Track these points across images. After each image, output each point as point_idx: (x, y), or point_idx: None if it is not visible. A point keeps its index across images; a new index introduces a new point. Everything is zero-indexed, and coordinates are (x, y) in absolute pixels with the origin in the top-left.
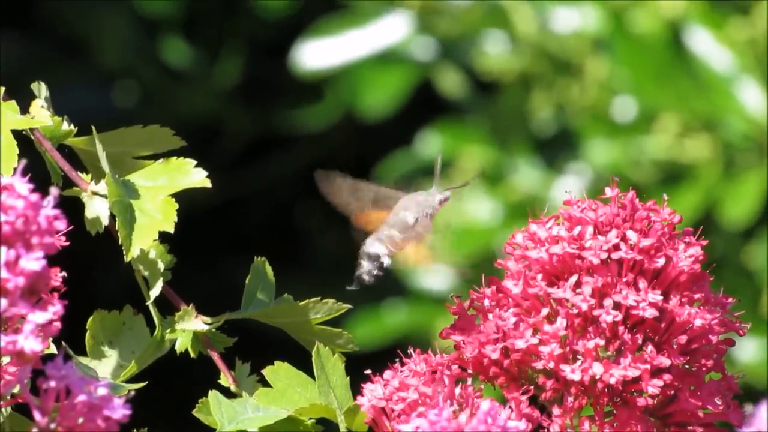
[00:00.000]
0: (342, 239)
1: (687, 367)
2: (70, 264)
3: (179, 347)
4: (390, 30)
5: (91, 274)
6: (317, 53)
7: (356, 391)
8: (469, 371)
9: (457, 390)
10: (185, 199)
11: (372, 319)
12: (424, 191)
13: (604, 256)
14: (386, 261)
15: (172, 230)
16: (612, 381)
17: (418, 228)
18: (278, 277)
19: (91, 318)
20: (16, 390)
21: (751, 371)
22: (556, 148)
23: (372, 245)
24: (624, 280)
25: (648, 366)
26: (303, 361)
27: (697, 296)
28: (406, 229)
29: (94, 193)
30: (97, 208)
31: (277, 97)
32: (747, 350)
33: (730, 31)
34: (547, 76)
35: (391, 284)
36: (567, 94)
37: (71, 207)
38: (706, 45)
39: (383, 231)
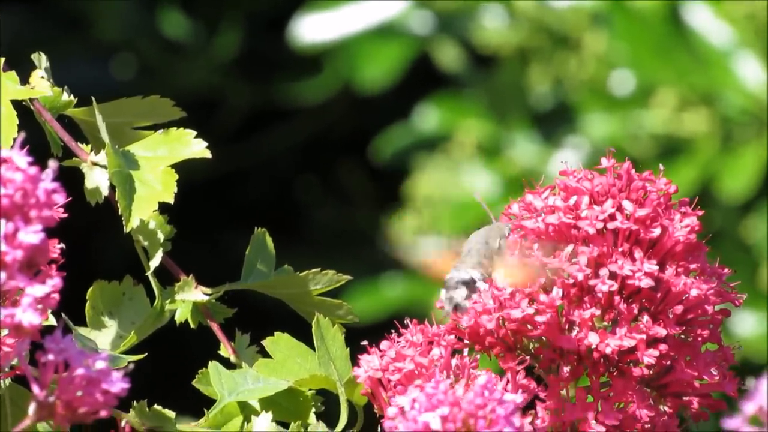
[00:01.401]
0: (340, 212)
1: (683, 337)
2: (70, 235)
3: (179, 317)
4: (388, 4)
5: (92, 244)
6: (316, 27)
7: (355, 363)
8: (466, 341)
9: (454, 360)
10: (185, 172)
11: (370, 292)
12: (490, 225)
13: (600, 225)
14: (481, 285)
15: (171, 201)
16: (608, 351)
17: (503, 251)
18: (277, 250)
19: (90, 288)
20: (15, 362)
21: (750, 345)
22: (554, 122)
23: (464, 272)
24: (620, 249)
25: (644, 336)
26: (303, 333)
27: (693, 266)
28: (492, 253)
29: (94, 164)
30: (97, 179)
31: (276, 70)
32: (746, 324)
33: (729, 5)
34: (545, 50)
35: (388, 257)
36: (565, 68)
37: (71, 178)
38: (705, 19)
39: (468, 259)
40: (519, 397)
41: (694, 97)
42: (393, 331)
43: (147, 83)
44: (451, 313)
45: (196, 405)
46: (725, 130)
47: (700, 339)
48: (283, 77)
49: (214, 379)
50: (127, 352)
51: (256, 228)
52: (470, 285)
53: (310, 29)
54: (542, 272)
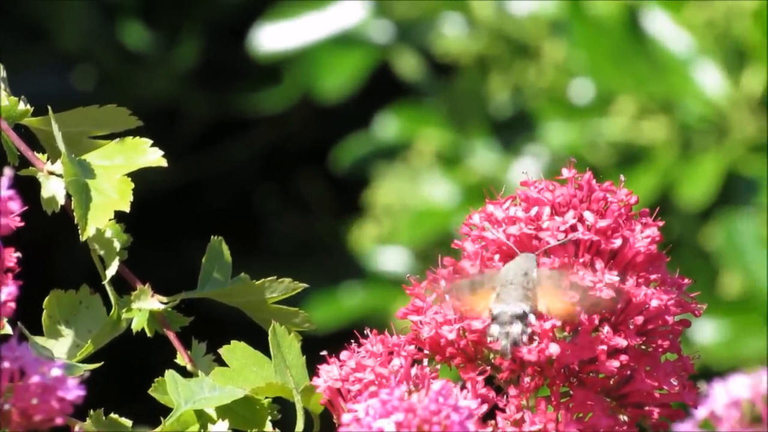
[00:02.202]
0: (300, 222)
1: (643, 347)
2: (29, 244)
3: (135, 326)
4: (347, 13)
5: (50, 254)
6: (275, 36)
7: (314, 372)
8: (426, 352)
9: (414, 370)
10: (145, 181)
11: (330, 301)
12: (521, 256)
13: (561, 236)
14: (532, 318)
15: (128, 209)
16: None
17: (541, 282)
18: (237, 260)
19: (47, 297)
20: None
21: (710, 353)
22: (514, 131)
23: (516, 306)
24: (581, 260)
25: (604, 346)
26: (260, 341)
27: (653, 277)
28: (533, 285)
29: (51, 173)
30: (53, 188)
31: (236, 79)
32: (706, 332)
33: (688, 12)
34: (504, 58)
35: (348, 266)
36: (524, 76)
37: (30, 187)
38: (664, 27)
39: (513, 292)
40: (474, 403)
41: (653, 105)
42: (353, 340)
43: (107, 93)
44: (509, 349)
45: (153, 413)
46: (684, 137)
47: (660, 349)
48: (243, 87)
49: (170, 388)
50: (84, 360)
51: (212, 236)
52: (524, 319)
53: (270, 39)
54: (582, 298)
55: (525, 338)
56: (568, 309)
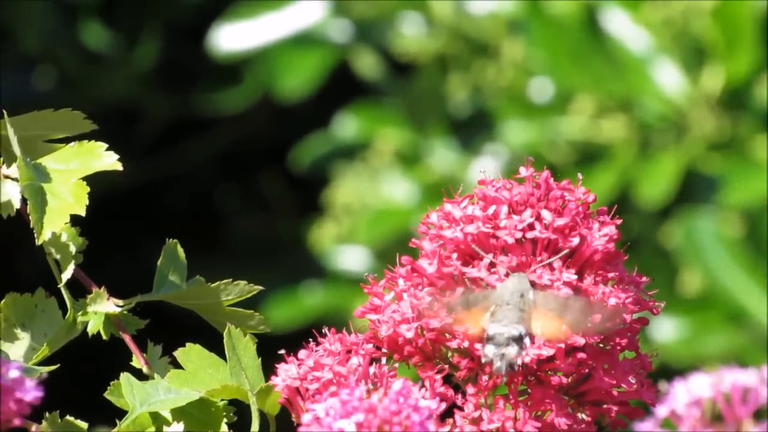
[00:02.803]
0: (261, 222)
1: (601, 345)
2: None
3: (91, 329)
4: (306, 12)
5: (10, 257)
6: (234, 36)
7: (273, 372)
8: (384, 350)
9: (372, 369)
10: (105, 183)
11: (290, 300)
12: (515, 276)
13: (519, 235)
14: (527, 341)
15: (83, 213)
16: (526, 360)
17: (536, 303)
18: (198, 260)
19: (3, 301)
20: None
21: (669, 351)
22: (473, 130)
23: (512, 328)
24: (538, 259)
25: (562, 345)
26: (217, 344)
27: (611, 275)
28: (528, 306)
29: (6, 177)
30: (9, 192)
31: (195, 80)
32: (665, 330)
33: (647, 11)
34: (463, 57)
35: (308, 265)
36: (483, 75)
37: None
38: (622, 25)
39: (510, 314)
40: (434, 403)
41: (612, 104)
42: (312, 339)
43: (67, 94)
44: (505, 371)
45: (109, 416)
46: (643, 136)
47: (618, 347)
48: (203, 87)
49: (126, 391)
50: (40, 363)
51: (168, 239)
52: (520, 342)
53: (229, 39)
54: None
55: (520, 361)
56: (562, 332)
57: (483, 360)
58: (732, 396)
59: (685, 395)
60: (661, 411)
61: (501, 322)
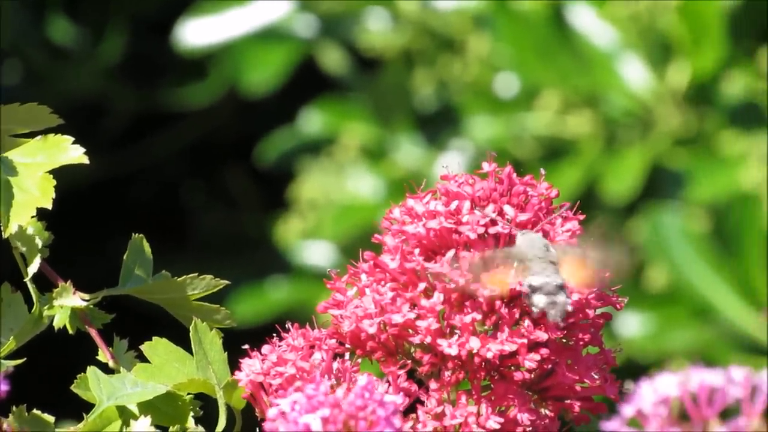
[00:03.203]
0: (226, 216)
1: (564, 341)
2: None
3: (57, 323)
4: (272, 7)
5: None
6: (200, 30)
7: (237, 367)
8: (347, 346)
9: (335, 364)
10: (70, 177)
11: (255, 295)
12: (530, 233)
13: (481, 230)
14: (566, 290)
15: (50, 207)
16: (489, 355)
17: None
18: (164, 254)
19: None
20: None
21: (634, 346)
22: (439, 125)
23: (556, 277)
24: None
25: (525, 340)
26: (183, 338)
27: None
28: (555, 257)
29: None
30: None
31: (161, 74)
32: (630, 325)
33: (612, 7)
34: (429, 52)
35: (274, 260)
36: (449, 70)
37: None
38: (588, 21)
39: (545, 265)
40: (399, 399)
41: (578, 99)
42: (275, 334)
43: (34, 89)
44: (561, 317)
45: (76, 410)
46: (609, 131)
47: (581, 343)
48: (169, 81)
49: (92, 384)
50: (7, 358)
51: (133, 233)
52: (564, 290)
53: (195, 33)
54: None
55: (570, 308)
56: (586, 279)
57: (534, 310)
58: (699, 396)
59: (651, 394)
60: (628, 410)
61: (542, 274)
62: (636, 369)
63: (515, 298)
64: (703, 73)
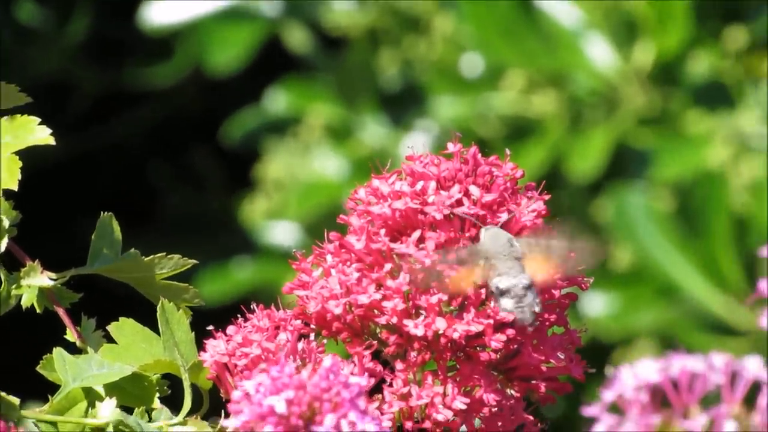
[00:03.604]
0: (192, 196)
1: None
2: None
3: (25, 302)
4: None
5: None
6: (165, 10)
7: (202, 347)
8: (313, 327)
9: (300, 345)
10: (36, 157)
11: (220, 275)
12: (492, 228)
13: (447, 211)
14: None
15: (16, 187)
16: (455, 336)
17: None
18: (129, 234)
19: None
20: None
21: (600, 325)
22: (403, 105)
23: (523, 278)
24: (467, 235)
25: (491, 321)
26: (151, 318)
27: None
28: (519, 253)
29: None
30: None
31: (127, 54)
32: (596, 304)
33: None
34: (394, 32)
35: (239, 240)
36: (414, 50)
37: None
38: (553, 1)
39: (509, 264)
40: (364, 380)
41: (542, 79)
42: (240, 315)
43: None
44: (532, 320)
45: (42, 391)
46: (574, 111)
47: (547, 323)
48: (134, 61)
49: (58, 365)
50: None
51: (102, 212)
52: (531, 289)
53: (160, 12)
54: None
55: (537, 308)
56: (550, 275)
57: (502, 314)
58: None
59: (632, 379)
60: (608, 395)
61: (509, 274)
62: (601, 349)
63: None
64: (668, 53)
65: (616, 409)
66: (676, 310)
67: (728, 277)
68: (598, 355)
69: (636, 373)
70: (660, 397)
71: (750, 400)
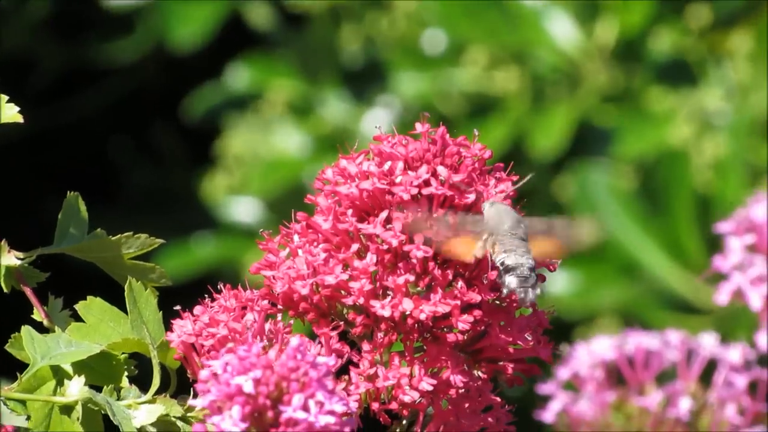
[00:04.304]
0: (154, 173)
1: (497, 302)
2: None
3: None
4: None
5: None
6: None
7: (168, 326)
8: (279, 307)
9: (267, 325)
10: None
11: (181, 252)
12: (500, 205)
13: (415, 191)
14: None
15: None
16: (422, 317)
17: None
18: (91, 211)
19: None
20: None
21: (562, 303)
22: (366, 81)
23: (527, 259)
24: (435, 215)
25: (458, 302)
26: (118, 297)
27: None
28: (526, 234)
29: None
30: None
31: (88, 30)
32: (558, 283)
33: None
34: (355, 8)
35: (201, 217)
36: (376, 26)
37: None
38: None
39: (516, 243)
40: (332, 360)
41: (505, 55)
42: (206, 294)
43: None
44: (534, 300)
45: (9, 369)
46: (536, 88)
47: (514, 304)
48: (96, 37)
49: (26, 344)
50: None
51: (69, 192)
52: (534, 270)
53: None
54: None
55: (540, 291)
56: (552, 257)
57: (505, 291)
58: (635, 359)
59: (587, 357)
60: (564, 373)
61: (515, 252)
62: (563, 327)
63: (448, 260)
64: (631, 30)
65: (572, 386)
66: (638, 287)
67: (691, 256)
68: (560, 334)
69: (591, 351)
70: (616, 375)
71: (706, 377)
